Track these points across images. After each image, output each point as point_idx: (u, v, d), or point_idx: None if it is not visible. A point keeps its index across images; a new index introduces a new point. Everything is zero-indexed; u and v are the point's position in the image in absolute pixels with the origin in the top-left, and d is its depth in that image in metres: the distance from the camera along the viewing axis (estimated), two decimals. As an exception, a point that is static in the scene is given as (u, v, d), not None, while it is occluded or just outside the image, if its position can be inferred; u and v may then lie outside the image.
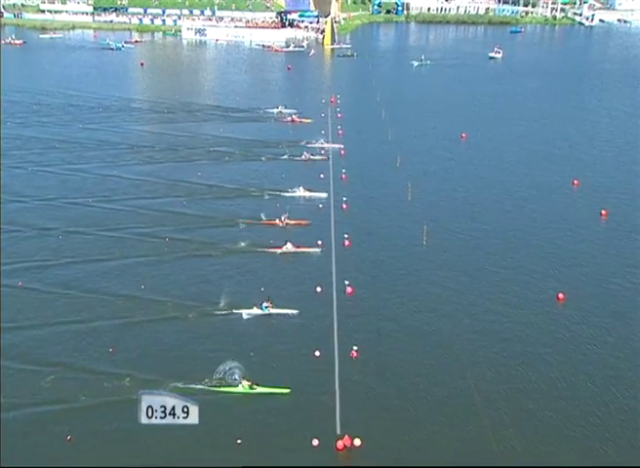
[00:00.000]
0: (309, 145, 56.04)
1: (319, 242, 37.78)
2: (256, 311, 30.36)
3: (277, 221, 40.44)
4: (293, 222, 40.58)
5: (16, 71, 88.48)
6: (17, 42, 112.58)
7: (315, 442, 22.96)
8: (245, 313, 30.34)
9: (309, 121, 64.47)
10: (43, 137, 58.02)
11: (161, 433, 22.02)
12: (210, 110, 69.62)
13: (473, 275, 35.07)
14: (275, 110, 67.90)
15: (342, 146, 56.63)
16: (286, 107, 68.12)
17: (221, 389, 25.38)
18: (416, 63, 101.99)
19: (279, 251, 36.86)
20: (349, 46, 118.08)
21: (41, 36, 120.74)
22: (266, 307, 30.28)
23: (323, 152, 55.27)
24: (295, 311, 30.60)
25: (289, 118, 65.33)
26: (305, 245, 37.40)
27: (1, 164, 50.46)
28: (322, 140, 57.16)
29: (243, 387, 25.44)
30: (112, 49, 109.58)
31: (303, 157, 53.43)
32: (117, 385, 25.32)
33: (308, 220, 41.07)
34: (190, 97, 76.47)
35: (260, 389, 25.44)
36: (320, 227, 40.20)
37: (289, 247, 36.84)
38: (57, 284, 33.10)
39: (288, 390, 25.35)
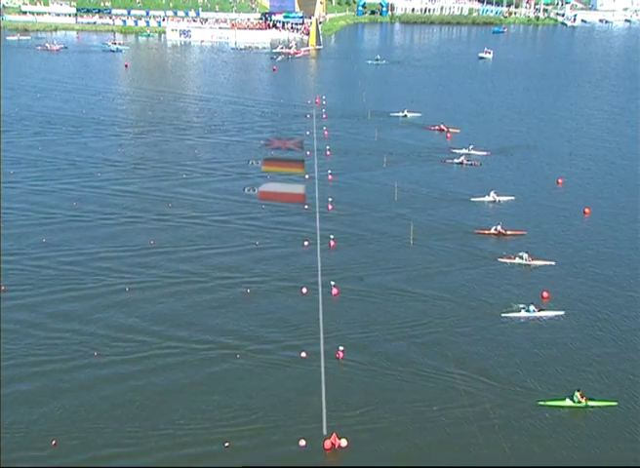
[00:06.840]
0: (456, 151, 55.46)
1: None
2: (524, 314, 30.99)
3: (493, 231, 39.40)
4: (510, 232, 39.47)
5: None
6: (55, 47, 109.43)
7: (302, 442, 22.82)
8: (513, 316, 30.96)
9: (458, 131, 62.69)
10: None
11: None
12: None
13: (460, 273, 35.20)
14: (400, 114, 68.15)
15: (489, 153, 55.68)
16: (409, 111, 68.33)
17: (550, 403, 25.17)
18: (370, 62, 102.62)
19: (513, 261, 36.10)
20: (321, 47, 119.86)
21: (8, 38, 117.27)
22: (533, 310, 31.03)
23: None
24: (561, 312, 31.17)
25: (436, 127, 63.47)
26: (540, 257, 36.55)
27: (1, 164, 50.06)
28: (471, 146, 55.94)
29: (573, 401, 24.98)
30: (113, 51, 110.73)
31: (457, 161, 53.39)
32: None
33: (525, 230, 40.21)
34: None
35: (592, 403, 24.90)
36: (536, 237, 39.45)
37: (524, 257, 36.07)
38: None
39: (615, 403, 25.07)
